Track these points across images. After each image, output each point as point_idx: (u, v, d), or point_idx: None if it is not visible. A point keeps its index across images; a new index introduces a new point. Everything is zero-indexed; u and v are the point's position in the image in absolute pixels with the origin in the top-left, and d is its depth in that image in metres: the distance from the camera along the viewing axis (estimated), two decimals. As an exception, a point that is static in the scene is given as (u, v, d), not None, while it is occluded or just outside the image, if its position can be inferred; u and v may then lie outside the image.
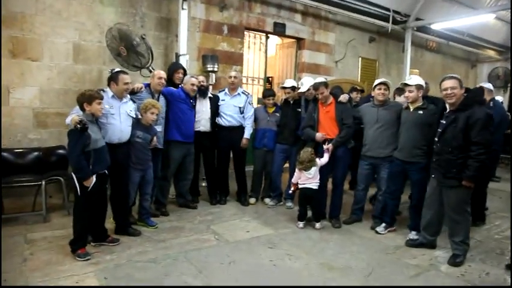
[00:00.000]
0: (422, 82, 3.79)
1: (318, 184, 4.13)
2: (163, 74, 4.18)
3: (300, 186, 4.18)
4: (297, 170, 4.17)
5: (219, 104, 4.83)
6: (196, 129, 4.65)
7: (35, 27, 4.73)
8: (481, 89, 4.14)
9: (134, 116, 3.71)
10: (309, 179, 4.11)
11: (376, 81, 4.14)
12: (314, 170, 4.09)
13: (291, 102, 4.87)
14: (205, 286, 2.76)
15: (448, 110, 3.32)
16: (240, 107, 4.86)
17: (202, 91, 4.68)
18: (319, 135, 4.18)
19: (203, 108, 4.69)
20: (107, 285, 2.77)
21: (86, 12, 5.09)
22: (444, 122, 3.29)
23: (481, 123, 3.07)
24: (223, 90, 5.00)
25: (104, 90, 3.47)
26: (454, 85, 3.19)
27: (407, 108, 3.87)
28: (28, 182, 4.14)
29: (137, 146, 3.74)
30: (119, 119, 3.53)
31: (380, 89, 4.04)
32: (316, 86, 4.19)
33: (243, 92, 4.98)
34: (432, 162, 3.41)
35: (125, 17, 5.37)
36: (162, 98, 4.20)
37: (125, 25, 4.77)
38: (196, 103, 4.65)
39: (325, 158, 4.11)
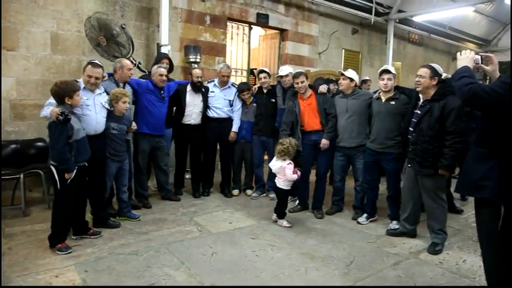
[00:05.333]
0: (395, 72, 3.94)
1: (285, 186, 3.96)
2: (131, 65, 4.08)
3: (281, 185, 4.03)
4: None
5: (208, 95, 4.77)
6: (187, 123, 4.61)
7: (10, 15, 4.59)
8: None
9: (108, 108, 3.63)
10: (278, 173, 4.00)
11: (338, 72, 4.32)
12: (275, 165, 3.98)
13: (265, 92, 4.83)
14: (200, 286, 2.74)
15: (422, 100, 3.38)
16: (230, 100, 4.82)
17: (197, 87, 4.60)
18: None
19: (195, 102, 4.63)
20: (88, 279, 2.74)
21: (63, 1, 4.95)
22: (419, 112, 3.34)
23: (456, 112, 3.13)
24: (213, 81, 4.93)
25: (77, 81, 3.40)
26: (423, 74, 3.28)
27: (379, 99, 3.92)
28: (6, 176, 4.02)
29: (113, 137, 3.69)
30: (94, 110, 3.46)
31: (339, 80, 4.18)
32: (296, 75, 4.20)
33: (232, 85, 4.93)
34: (408, 152, 3.46)
35: (104, 5, 5.26)
36: (128, 88, 4.07)
37: (104, 14, 4.68)
38: (187, 97, 4.58)
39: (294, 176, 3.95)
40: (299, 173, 3.97)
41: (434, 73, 3.27)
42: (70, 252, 3.09)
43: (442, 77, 3.34)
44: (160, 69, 4.28)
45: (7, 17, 4.57)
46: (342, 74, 4.13)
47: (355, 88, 4.22)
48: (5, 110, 4.68)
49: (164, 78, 4.29)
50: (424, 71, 3.28)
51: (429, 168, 3.27)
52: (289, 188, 4.00)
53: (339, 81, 4.20)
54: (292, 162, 3.94)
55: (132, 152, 4.20)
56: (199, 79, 4.60)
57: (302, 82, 4.15)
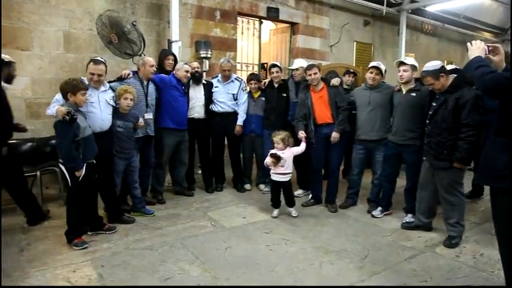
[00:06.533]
0: (416, 64, 3.80)
1: (289, 177, 4.06)
2: (153, 62, 4.12)
3: (272, 177, 4.08)
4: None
5: (212, 90, 4.79)
6: (191, 116, 4.62)
7: (23, 16, 4.65)
8: None
9: (114, 105, 3.64)
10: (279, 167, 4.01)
11: (369, 65, 4.14)
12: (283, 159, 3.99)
13: (276, 86, 4.79)
14: (211, 286, 2.72)
15: (438, 93, 3.32)
16: (233, 94, 4.83)
17: (196, 78, 4.64)
18: (300, 134, 4.11)
19: (197, 95, 4.66)
20: (104, 274, 2.78)
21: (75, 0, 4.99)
22: (435, 104, 3.29)
23: (470, 104, 3.06)
24: (216, 76, 4.97)
25: (82, 79, 3.41)
26: (429, 82, 3.24)
27: (400, 90, 3.86)
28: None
29: (119, 135, 3.69)
30: (98, 108, 3.48)
31: (372, 72, 4.02)
32: (309, 67, 4.17)
33: (236, 79, 4.93)
34: (424, 144, 3.42)
35: (115, 3, 5.28)
36: (152, 85, 4.14)
37: (115, 12, 4.70)
38: (190, 90, 4.62)
39: (301, 146, 4.05)
40: (268, 161, 3.97)
41: (436, 73, 3.18)
42: (86, 248, 3.15)
43: (449, 68, 3.29)
44: (186, 66, 4.39)
45: (20, 17, 4.64)
46: (402, 63, 3.78)
47: (382, 82, 4.13)
48: (21, 109, 4.75)
49: (189, 74, 4.39)
50: (427, 80, 3.24)
51: (444, 161, 3.23)
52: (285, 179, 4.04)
53: (367, 76, 4.06)
54: (271, 152, 4.00)
55: (153, 147, 4.25)
56: (196, 69, 4.65)
57: (315, 74, 4.11)
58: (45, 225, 3.66)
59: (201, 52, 5.85)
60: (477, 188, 4.80)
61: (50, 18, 4.84)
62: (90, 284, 2.64)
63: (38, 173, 4.05)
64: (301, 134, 4.09)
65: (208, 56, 5.89)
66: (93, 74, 3.44)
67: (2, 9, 4.46)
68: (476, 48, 2.17)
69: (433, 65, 3.24)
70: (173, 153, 4.54)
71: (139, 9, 5.56)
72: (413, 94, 3.72)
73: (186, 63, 4.49)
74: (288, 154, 4.01)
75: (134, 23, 4.71)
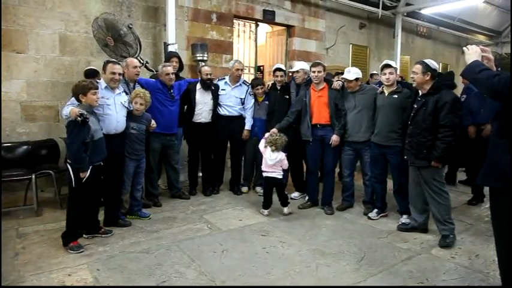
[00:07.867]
0: (397, 66, 3.90)
1: (282, 174, 4.19)
2: (137, 63, 4.09)
3: (264, 174, 4.21)
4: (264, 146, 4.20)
5: (219, 93, 4.75)
6: (197, 121, 4.62)
7: (19, 19, 4.64)
8: (452, 73, 4.16)
9: (128, 107, 3.70)
10: (271, 166, 4.11)
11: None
12: (276, 157, 4.09)
13: (279, 88, 4.79)
14: (210, 286, 2.73)
15: (420, 95, 3.43)
16: (241, 98, 4.80)
17: (207, 84, 4.59)
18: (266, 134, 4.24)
19: (205, 101, 4.63)
20: (100, 278, 2.76)
21: (70, 2, 4.99)
22: (416, 106, 3.42)
23: (448, 106, 3.19)
24: (223, 78, 4.89)
25: (97, 82, 3.44)
26: (415, 70, 3.38)
27: (382, 92, 3.93)
28: (18, 176, 4.10)
29: (132, 137, 3.76)
30: (114, 110, 3.53)
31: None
32: (315, 64, 4.21)
33: (243, 82, 4.90)
34: (405, 144, 3.53)
35: (111, 6, 5.29)
36: (138, 87, 4.07)
37: (111, 15, 4.69)
38: (197, 95, 4.58)
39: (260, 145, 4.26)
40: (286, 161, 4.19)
41: (427, 68, 3.31)
42: (82, 251, 3.13)
43: (437, 72, 3.37)
44: (167, 68, 4.27)
45: (16, 20, 4.62)
46: (388, 66, 3.87)
47: (362, 84, 4.20)
48: (16, 112, 4.74)
49: (172, 76, 4.29)
50: (416, 67, 3.37)
51: (423, 160, 3.35)
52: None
53: (346, 85, 4.14)
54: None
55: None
56: (209, 76, 4.59)
57: (319, 72, 4.15)
58: (41, 229, 3.63)
59: (197, 55, 5.85)
60: (478, 193, 4.77)
61: (46, 21, 4.83)
62: (86, 288, 2.63)
63: (33, 176, 4.03)
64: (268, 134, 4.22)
65: (205, 58, 5.88)
66: (114, 73, 3.50)
67: (-2, 12, 4.48)
68: (474, 53, 2.22)
69: (431, 62, 3.38)
70: (162, 157, 4.51)
71: (136, 12, 5.56)
72: (395, 96, 3.82)
73: (165, 66, 4.31)
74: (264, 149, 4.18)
75: (130, 26, 4.70)
